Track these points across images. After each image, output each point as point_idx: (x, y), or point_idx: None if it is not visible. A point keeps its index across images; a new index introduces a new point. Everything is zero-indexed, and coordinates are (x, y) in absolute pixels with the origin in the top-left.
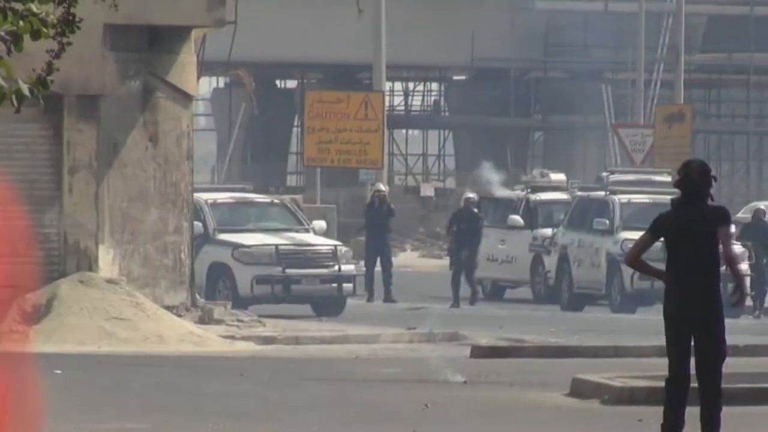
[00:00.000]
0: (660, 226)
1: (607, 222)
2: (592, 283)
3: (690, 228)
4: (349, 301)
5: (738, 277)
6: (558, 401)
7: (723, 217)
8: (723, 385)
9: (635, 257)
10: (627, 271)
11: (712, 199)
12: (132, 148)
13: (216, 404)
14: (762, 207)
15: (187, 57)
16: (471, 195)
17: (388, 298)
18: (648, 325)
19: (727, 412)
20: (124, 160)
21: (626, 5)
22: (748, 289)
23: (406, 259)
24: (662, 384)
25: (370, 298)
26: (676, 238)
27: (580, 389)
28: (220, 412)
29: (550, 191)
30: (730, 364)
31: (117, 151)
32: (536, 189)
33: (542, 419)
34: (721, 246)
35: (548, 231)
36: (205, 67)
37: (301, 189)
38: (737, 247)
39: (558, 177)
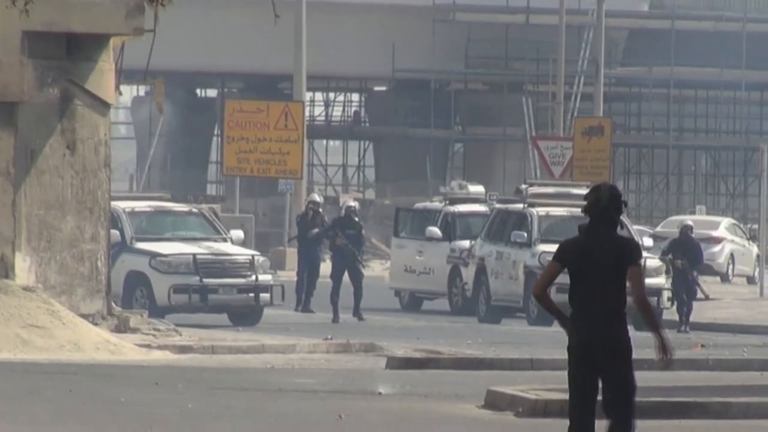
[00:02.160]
0: (566, 252)
1: (525, 234)
2: (510, 296)
3: (597, 260)
4: (266, 311)
5: (656, 329)
6: (472, 413)
7: (633, 254)
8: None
9: (542, 289)
10: None
11: (622, 226)
12: (50, 155)
13: (130, 413)
14: (689, 223)
15: (106, 65)
16: (352, 203)
17: (306, 308)
18: (564, 338)
19: (641, 426)
20: (41, 167)
21: (547, 18)
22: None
23: (324, 269)
24: None
25: (297, 307)
26: (581, 269)
27: (494, 401)
28: (133, 421)
29: (469, 203)
30: (646, 378)
31: (34, 158)
32: (454, 201)
33: (456, 431)
34: (630, 286)
35: (466, 243)
36: (125, 76)
37: (221, 198)
38: (653, 261)
39: (476, 189)
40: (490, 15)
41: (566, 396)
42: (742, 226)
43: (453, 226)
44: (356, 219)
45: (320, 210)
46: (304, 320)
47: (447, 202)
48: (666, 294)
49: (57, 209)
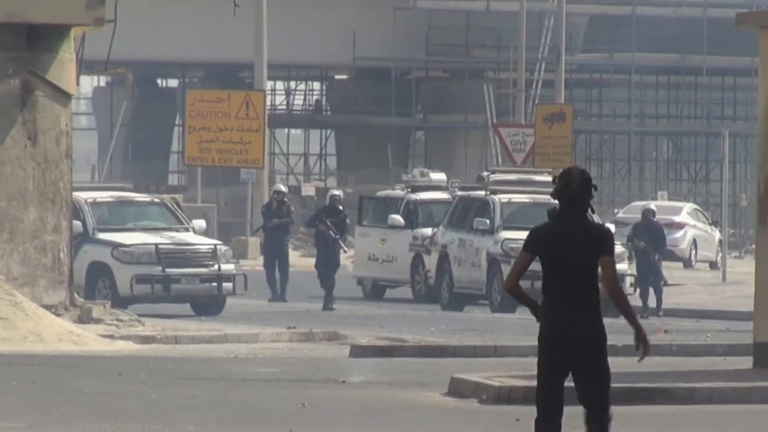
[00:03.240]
0: (536, 241)
1: (488, 222)
2: (473, 283)
3: (568, 247)
4: (229, 301)
5: (632, 318)
6: (436, 401)
7: (606, 243)
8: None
9: (514, 282)
10: (507, 270)
11: (593, 211)
12: (11, 146)
13: (93, 403)
14: (652, 207)
15: (67, 55)
16: (337, 192)
17: (282, 297)
18: (528, 324)
19: None
20: (2, 158)
21: (508, 5)
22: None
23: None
24: None
25: (272, 297)
26: (553, 257)
27: (458, 389)
28: (96, 411)
29: (431, 191)
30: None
31: None
32: (416, 188)
33: (420, 418)
34: (603, 275)
35: (428, 231)
36: (86, 66)
37: (182, 188)
38: (617, 247)
39: (438, 176)
40: (451, 2)
41: (530, 383)
42: (704, 211)
43: (415, 214)
44: (340, 207)
45: (285, 200)
46: (267, 309)
47: (409, 189)
48: (629, 280)
49: (19, 200)
